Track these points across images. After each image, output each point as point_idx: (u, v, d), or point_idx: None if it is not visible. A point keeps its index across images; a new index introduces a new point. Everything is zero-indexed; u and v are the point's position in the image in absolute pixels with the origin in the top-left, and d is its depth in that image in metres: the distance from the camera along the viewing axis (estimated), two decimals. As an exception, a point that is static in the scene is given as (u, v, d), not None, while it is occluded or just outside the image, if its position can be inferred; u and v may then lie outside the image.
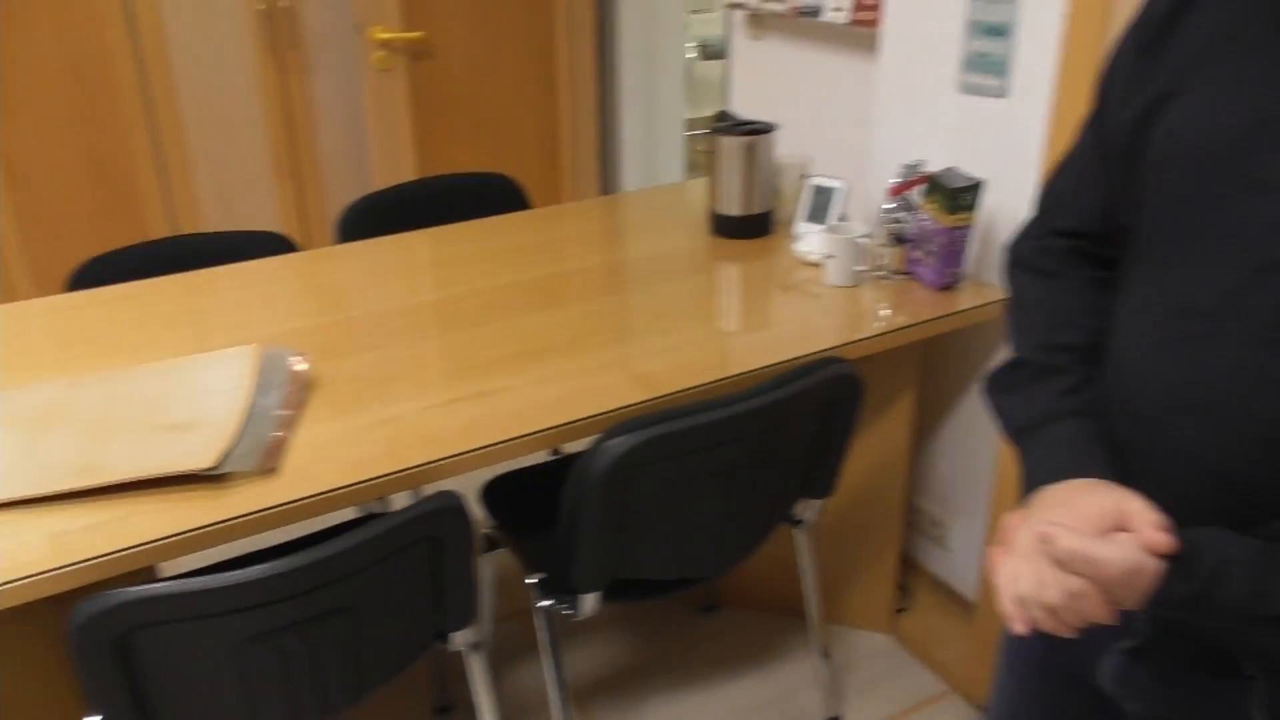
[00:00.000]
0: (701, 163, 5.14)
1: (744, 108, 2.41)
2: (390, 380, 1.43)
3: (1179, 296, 0.77)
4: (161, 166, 3.03)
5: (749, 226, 1.87)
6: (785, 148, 2.00)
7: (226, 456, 1.20)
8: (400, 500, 1.29)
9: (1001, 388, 0.95)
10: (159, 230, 3.09)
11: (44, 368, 1.49)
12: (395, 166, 3.13)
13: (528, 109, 3.30)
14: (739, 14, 2.38)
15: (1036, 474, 0.85)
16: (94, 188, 2.98)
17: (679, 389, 1.38)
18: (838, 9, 2.02)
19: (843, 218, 1.78)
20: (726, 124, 1.86)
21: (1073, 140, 0.96)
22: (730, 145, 1.80)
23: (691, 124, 3.74)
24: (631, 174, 3.48)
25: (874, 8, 1.88)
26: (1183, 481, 0.78)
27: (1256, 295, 0.71)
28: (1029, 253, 0.98)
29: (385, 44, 2.98)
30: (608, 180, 3.50)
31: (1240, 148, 0.73)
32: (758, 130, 1.82)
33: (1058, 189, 0.97)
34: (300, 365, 1.42)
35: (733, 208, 1.86)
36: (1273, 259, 0.71)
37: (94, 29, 2.83)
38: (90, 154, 2.94)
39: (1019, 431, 0.91)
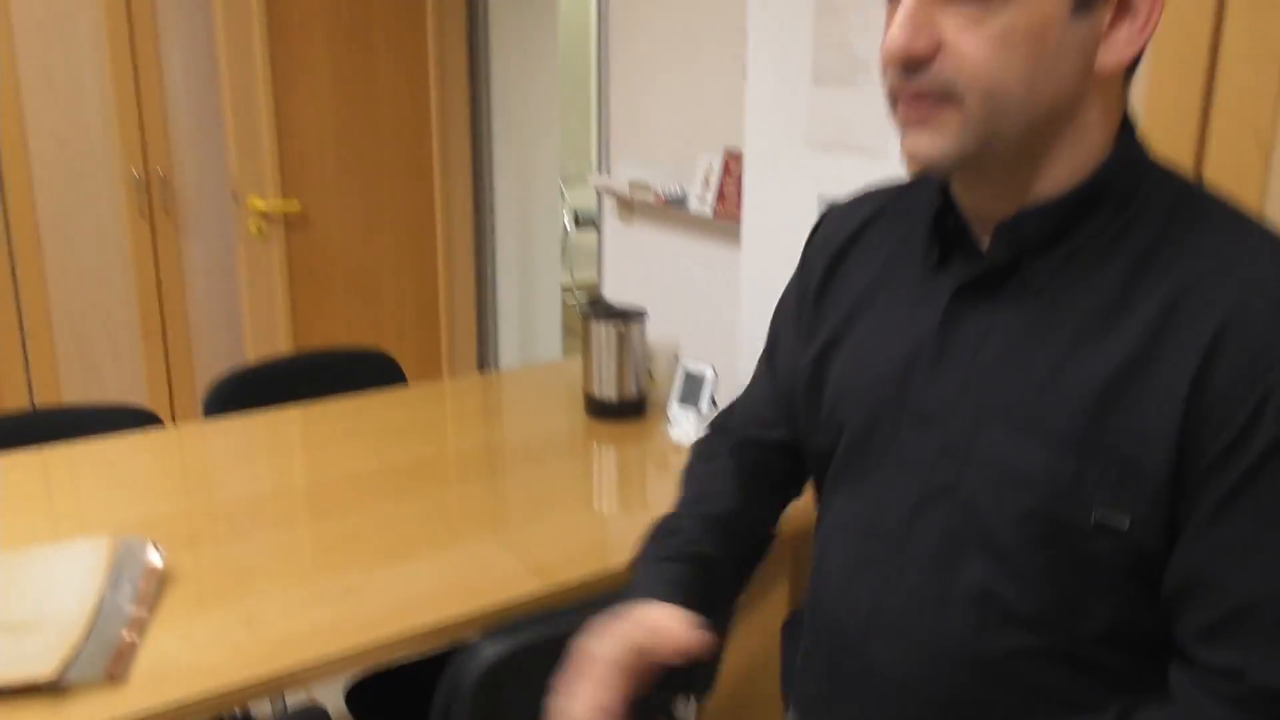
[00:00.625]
0: (578, 328, 5.26)
1: (615, 288, 2.51)
2: (253, 574, 1.38)
3: (867, 521, 0.83)
4: (23, 329, 2.91)
5: (623, 410, 1.93)
6: (658, 330, 2.09)
7: (69, 666, 1.13)
8: (260, 708, 1.23)
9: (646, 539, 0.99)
10: (16, 395, 2.95)
11: None
12: (269, 336, 3.10)
13: (406, 280, 3.35)
14: (610, 199, 2.52)
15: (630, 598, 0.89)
16: (-63, 351, 2.83)
17: (559, 581, 1.38)
18: (701, 200, 2.17)
19: (713, 402, 1.86)
20: (599, 308, 1.94)
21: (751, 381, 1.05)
22: (603, 331, 1.88)
23: (567, 289, 3.86)
24: (509, 339, 3.54)
25: (735, 202, 2.03)
26: (884, 701, 0.81)
27: (925, 520, 0.78)
28: (704, 446, 1.06)
29: (261, 214, 3.00)
30: (485, 347, 3.54)
31: (899, 383, 0.80)
32: (630, 316, 1.90)
33: (736, 413, 1.06)
34: (155, 558, 1.36)
35: (607, 391, 1.91)
36: (935, 486, 0.77)
37: (-47, 191, 2.76)
38: (-63, 317, 2.81)
39: (633, 566, 0.95)
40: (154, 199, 3.04)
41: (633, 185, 2.26)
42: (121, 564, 1.33)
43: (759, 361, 1.04)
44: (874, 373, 0.83)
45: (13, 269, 2.87)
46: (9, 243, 2.85)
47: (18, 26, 2.76)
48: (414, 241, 3.34)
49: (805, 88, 1.68)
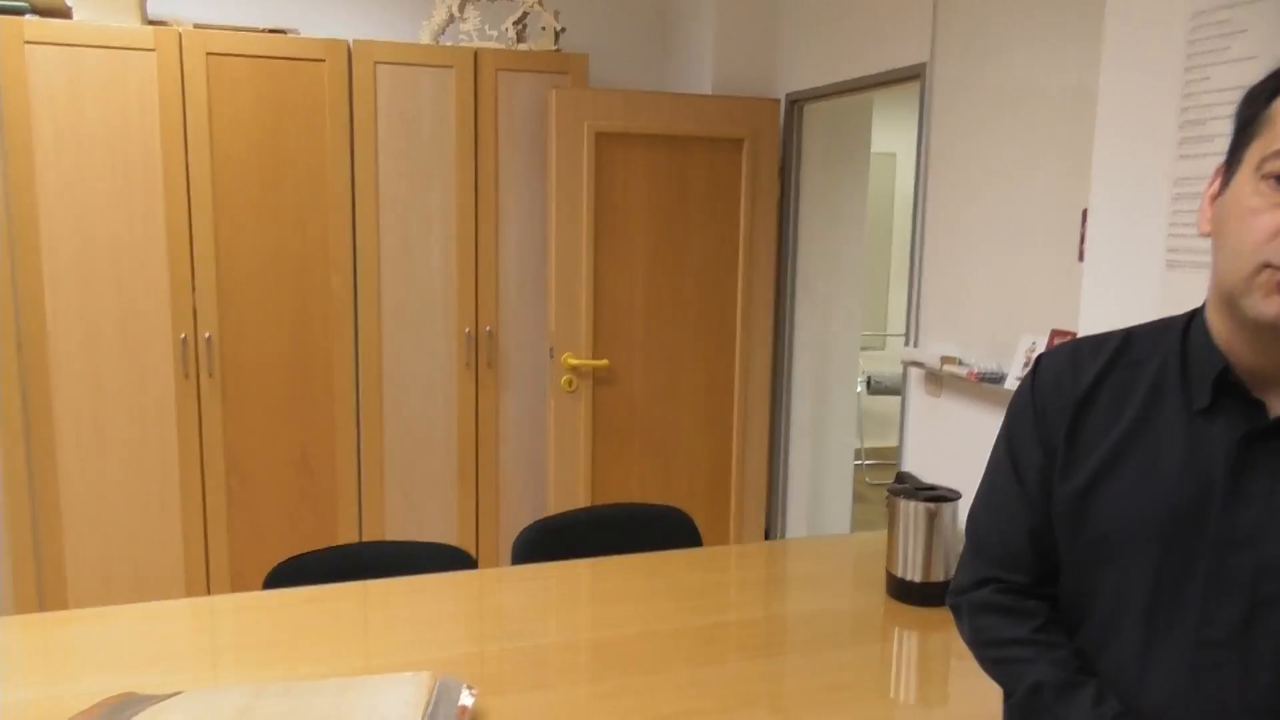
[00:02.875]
0: (867, 494, 5.10)
1: (916, 461, 2.41)
2: (553, 727, 1.39)
3: (1197, 633, 0.93)
4: (361, 464, 3.26)
5: (928, 593, 1.81)
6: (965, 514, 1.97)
7: (388, 798, 1.18)
8: None
9: (1029, 712, 1.02)
10: (348, 523, 3.27)
11: (230, 667, 1.54)
12: (570, 485, 3.26)
13: (700, 440, 3.42)
14: (916, 372, 2.45)
15: None
16: (298, 479, 3.22)
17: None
18: (1019, 379, 2.06)
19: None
20: (906, 486, 1.86)
21: (986, 496, 1.12)
22: (911, 510, 1.79)
23: (858, 454, 3.77)
24: (798, 504, 3.49)
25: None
26: None
27: (1262, 624, 0.91)
28: (987, 597, 1.11)
29: (573, 369, 3.21)
30: (773, 512, 3.51)
31: (1194, 514, 0.94)
32: (940, 497, 1.81)
33: (992, 543, 1.12)
34: (469, 699, 1.41)
35: (911, 573, 1.81)
36: (1265, 595, 0.90)
37: (317, 332, 3.19)
38: (301, 450, 3.21)
39: None
40: (480, 353, 3.35)
41: (944, 360, 2.20)
42: (439, 700, 1.39)
43: (995, 488, 1.11)
44: (1160, 505, 0.96)
45: (357, 412, 3.24)
46: (358, 386, 3.23)
47: (384, 203, 3.20)
48: (711, 403, 3.43)
49: (1155, 272, 1.57)
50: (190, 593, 3.21)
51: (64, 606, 3.09)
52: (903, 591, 1.84)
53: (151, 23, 3.11)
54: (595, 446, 3.28)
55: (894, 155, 6.07)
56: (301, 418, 3.20)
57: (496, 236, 3.32)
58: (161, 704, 1.38)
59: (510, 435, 3.41)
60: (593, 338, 3.24)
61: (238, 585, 3.24)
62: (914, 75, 2.83)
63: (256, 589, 1.91)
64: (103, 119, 2.95)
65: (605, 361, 3.26)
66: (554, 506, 3.29)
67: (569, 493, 3.25)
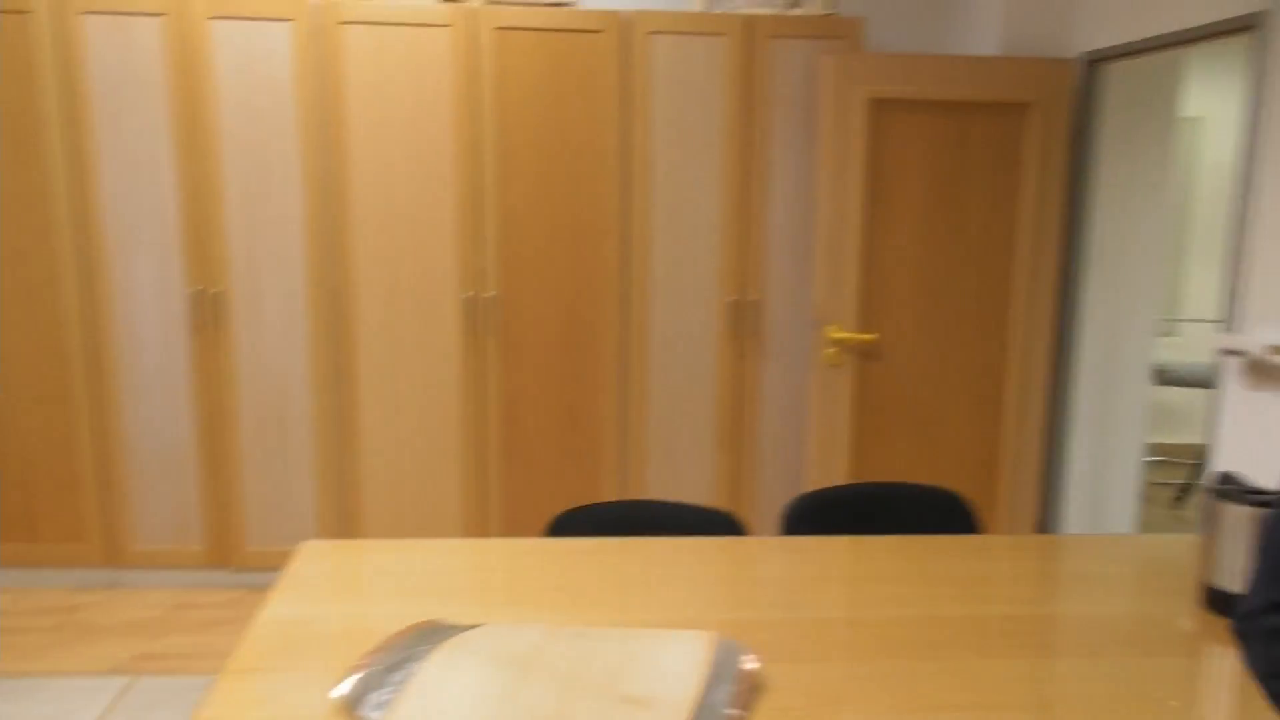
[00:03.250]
0: (1151, 494, 4.69)
1: (1232, 465, 2.17)
2: (835, 703, 1.37)
3: None
4: (625, 425, 3.37)
5: (1252, 607, 1.62)
6: (1298, 521, 1.74)
7: (678, 751, 1.20)
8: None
9: None
10: (610, 480, 3.39)
11: (519, 606, 1.63)
12: (830, 461, 3.20)
13: (970, 423, 3.26)
14: (1235, 361, 2.20)
15: None
16: (565, 436, 3.37)
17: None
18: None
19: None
20: (1231, 488, 1.67)
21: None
22: (1239, 515, 1.61)
23: (1149, 451, 3.46)
24: (1077, 501, 3.25)
25: None
26: None
27: None
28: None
29: (838, 342, 3.14)
30: (1047, 506, 3.29)
31: None
32: (1272, 502, 1.61)
33: None
34: (751, 664, 1.42)
35: (1234, 583, 1.63)
36: None
37: (589, 295, 3.30)
38: (569, 408, 3.36)
39: None
40: (744, 322, 3.35)
41: (1274, 349, 1.95)
42: (720, 664, 1.40)
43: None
44: None
45: (625, 374, 3.33)
46: (624, 349, 3.33)
47: (655, 171, 3.26)
48: (984, 386, 3.25)
49: None
50: (467, 534, 3.45)
51: (359, 535, 3.41)
52: (1221, 604, 1.66)
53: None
54: (858, 422, 3.21)
55: (1200, 119, 5.47)
56: (571, 377, 3.34)
57: (764, 206, 3.29)
58: (465, 634, 1.48)
59: (770, 405, 3.40)
60: (860, 311, 3.15)
61: (509, 531, 3.44)
62: (1246, 26, 2.52)
63: (526, 535, 2.01)
64: (403, 93, 3.19)
65: (873, 336, 3.16)
66: (812, 480, 3.25)
67: (829, 468, 3.20)
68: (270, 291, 3.28)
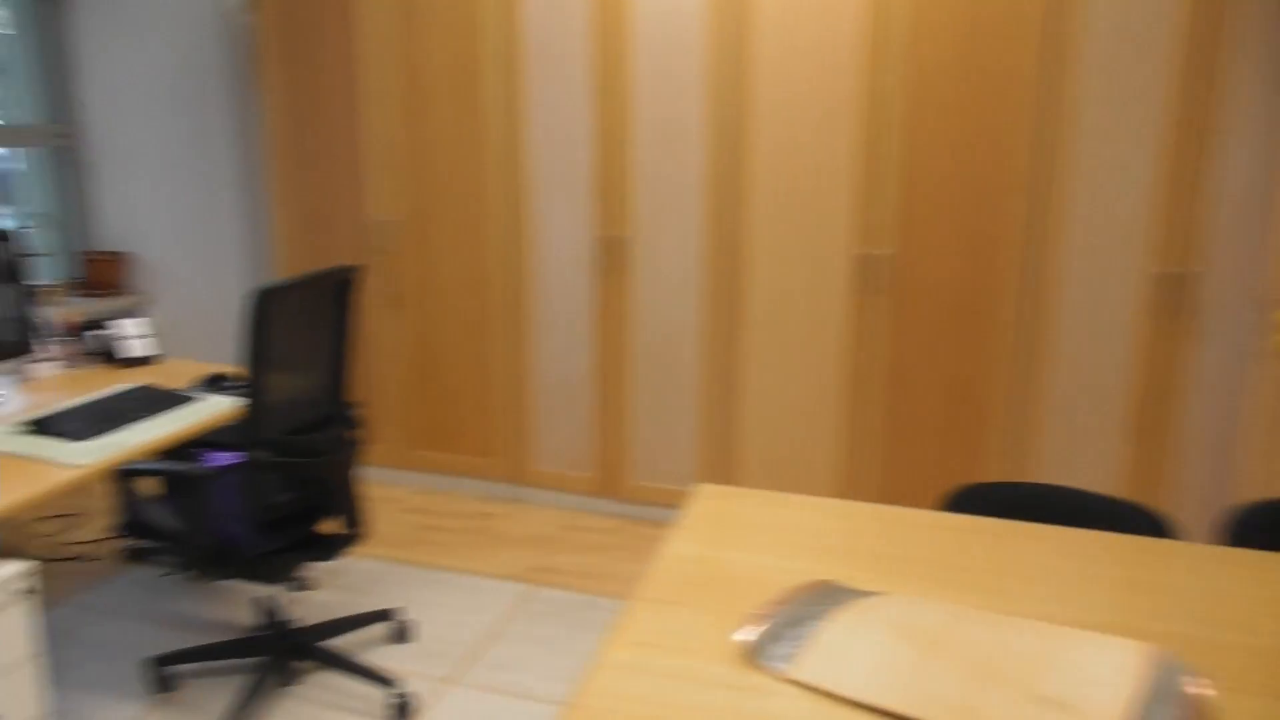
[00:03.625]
0: None
1: None
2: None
3: None
4: (1019, 401, 3.13)
5: None
6: None
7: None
8: None
9: None
10: (995, 458, 3.19)
11: (919, 580, 1.56)
12: (1274, 464, 2.76)
13: None
14: None
15: None
16: (950, 405, 3.21)
17: None
18: None
19: None
20: None
21: None
22: None
23: None
24: None
25: None
26: None
27: None
28: None
29: (1298, 329, 2.67)
30: None
31: None
32: None
33: None
34: (1197, 688, 1.24)
35: None
36: None
37: (991, 257, 3.07)
38: (956, 377, 3.18)
39: None
40: (1175, 297, 2.95)
41: None
42: (1160, 681, 1.24)
43: None
44: None
45: (1024, 342, 3.08)
46: (1025, 319, 3.07)
47: (1080, 125, 2.93)
48: None
49: None
50: (840, 496, 3.41)
51: (734, 483, 3.50)
52: None
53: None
54: (1313, 424, 2.72)
55: None
56: (963, 345, 3.16)
57: (1216, 165, 2.86)
58: (865, 600, 1.44)
59: (1199, 396, 2.98)
60: (1327, 293, 2.65)
61: (885, 499, 3.35)
62: None
63: (903, 505, 1.91)
64: (809, 43, 3.13)
65: (1342, 324, 2.65)
66: (1245, 486, 2.82)
67: (1273, 474, 2.75)
68: (668, 241, 3.42)
